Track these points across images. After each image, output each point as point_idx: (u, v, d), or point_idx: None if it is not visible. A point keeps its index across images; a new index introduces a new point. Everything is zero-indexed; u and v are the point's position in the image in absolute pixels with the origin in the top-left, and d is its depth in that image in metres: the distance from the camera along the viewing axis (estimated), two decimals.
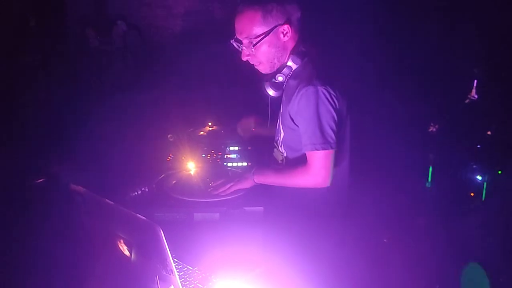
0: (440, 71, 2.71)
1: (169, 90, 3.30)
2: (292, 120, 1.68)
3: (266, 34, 1.61)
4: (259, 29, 1.62)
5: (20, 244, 1.78)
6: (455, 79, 2.57)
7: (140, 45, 3.29)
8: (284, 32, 1.63)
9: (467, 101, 2.37)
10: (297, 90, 1.62)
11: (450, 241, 2.46)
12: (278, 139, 1.82)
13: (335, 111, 1.61)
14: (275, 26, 1.61)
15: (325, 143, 1.61)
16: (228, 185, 1.80)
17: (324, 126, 1.60)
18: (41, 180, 2.45)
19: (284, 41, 1.65)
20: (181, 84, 3.29)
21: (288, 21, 1.62)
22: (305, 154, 1.66)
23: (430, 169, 2.61)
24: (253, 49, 1.64)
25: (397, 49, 2.68)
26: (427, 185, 2.62)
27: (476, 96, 2.31)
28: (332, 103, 1.60)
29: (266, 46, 1.64)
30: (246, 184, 1.80)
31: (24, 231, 1.89)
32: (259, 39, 1.62)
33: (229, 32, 3.00)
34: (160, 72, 3.29)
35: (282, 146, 1.79)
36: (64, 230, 1.59)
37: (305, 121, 1.63)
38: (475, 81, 2.29)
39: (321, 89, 1.58)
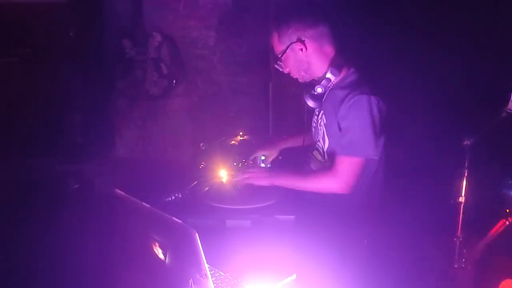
0: (476, 83, 2.67)
1: (201, 100, 3.36)
2: (339, 126, 1.74)
3: (284, 51, 1.78)
4: (279, 48, 1.81)
5: (57, 245, 1.84)
6: (490, 91, 2.52)
7: (174, 55, 3.36)
8: (301, 48, 1.77)
9: (503, 114, 2.32)
10: (347, 98, 1.70)
11: (485, 257, 2.40)
12: (321, 149, 1.85)
13: (380, 122, 1.69)
14: (290, 44, 1.77)
15: (365, 151, 1.67)
16: (243, 175, 1.84)
17: (369, 135, 1.67)
18: (77, 185, 2.54)
19: (306, 56, 1.78)
20: (214, 94, 3.34)
21: (299, 39, 1.76)
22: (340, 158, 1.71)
23: (464, 183, 2.55)
24: (280, 64, 1.84)
25: (432, 62, 2.66)
26: (461, 199, 2.56)
27: None
28: (381, 113, 1.69)
29: (289, 61, 1.81)
30: (261, 181, 1.82)
31: (61, 233, 1.96)
32: (280, 55, 1.81)
33: (261, 42, 3.05)
34: (193, 82, 3.36)
35: (326, 155, 1.82)
36: (100, 232, 1.64)
37: (351, 126, 1.69)
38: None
39: (373, 98, 1.67)
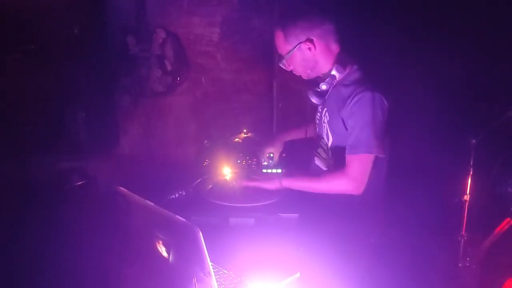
0: (482, 81, 2.65)
1: (205, 97, 3.35)
2: (344, 123, 1.73)
3: (291, 51, 1.77)
4: (285, 47, 1.79)
5: (61, 243, 1.84)
6: (497, 90, 2.50)
7: (178, 52, 3.35)
8: (309, 47, 1.76)
9: (509, 112, 2.30)
10: (351, 96, 1.70)
11: (491, 257, 2.39)
12: (325, 146, 1.84)
13: (384, 119, 1.69)
14: (298, 44, 1.75)
15: (371, 148, 1.67)
16: (254, 182, 1.85)
17: (376, 131, 1.67)
18: (81, 182, 2.55)
19: (313, 54, 1.78)
20: (218, 91, 3.33)
21: (308, 38, 1.75)
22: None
23: (469, 182, 2.54)
24: (285, 63, 1.82)
25: (438, 60, 2.64)
26: (466, 198, 2.55)
27: None
28: (385, 110, 1.69)
29: (296, 60, 1.80)
30: (271, 185, 1.82)
31: (65, 231, 1.96)
32: (287, 55, 1.79)
33: (265, 40, 3.05)
34: (197, 79, 3.35)
35: (330, 152, 1.82)
36: (104, 230, 1.64)
37: (357, 124, 1.69)
38: None
39: (377, 95, 1.67)
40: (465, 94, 2.69)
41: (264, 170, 2.13)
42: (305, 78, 1.87)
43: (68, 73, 3.16)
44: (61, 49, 3.16)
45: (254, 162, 2.20)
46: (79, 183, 2.71)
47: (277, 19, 1.88)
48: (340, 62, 1.78)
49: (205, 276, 1.17)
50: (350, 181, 1.68)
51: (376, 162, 1.72)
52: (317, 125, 1.94)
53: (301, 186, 1.80)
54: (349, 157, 1.70)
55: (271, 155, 2.15)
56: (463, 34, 2.67)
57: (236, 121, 2.75)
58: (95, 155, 2.98)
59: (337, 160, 1.80)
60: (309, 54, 1.78)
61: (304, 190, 1.79)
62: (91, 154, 3.00)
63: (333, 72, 1.78)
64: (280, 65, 1.85)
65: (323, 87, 1.80)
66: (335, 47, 1.80)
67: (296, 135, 2.17)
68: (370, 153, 1.67)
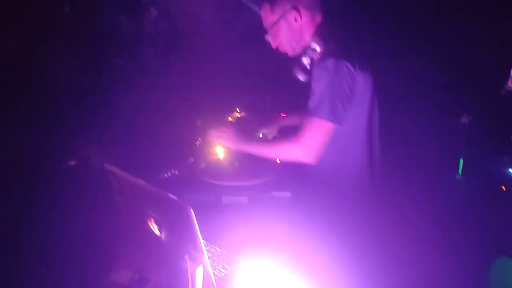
0: (476, 60, 2.64)
1: (198, 76, 3.33)
2: None
3: (277, 21, 1.74)
4: (271, 18, 1.76)
5: (54, 223, 1.84)
6: (491, 69, 2.50)
7: (171, 31, 3.32)
8: (295, 17, 1.73)
9: (502, 92, 2.30)
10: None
11: (480, 235, 2.42)
12: None
13: (349, 88, 1.60)
14: (283, 14, 1.72)
15: (326, 113, 1.58)
16: (217, 133, 1.88)
17: (333, 98, 1.59)
18: (74, 162, 2.54)
19: (299, 25, 1.74)
20: (211, 70, 3.31)
21: (295, 7, 1.72)
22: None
23: (461, 161, 2.56)
24: (270, 37, 1.79)
25: (431, 38, 2.62)
26: (458, 177, 2.57)
27: None
28: (348, 79, 1.60)
29: (282, 33, 1.76)
30: (228, 143, 1.84)
31: (57, 211, 1.96)
32: (273, 27, 1.76)
33: (259, 18, 3.00)
34: (190, 58, 3.32)
35: None
36: (97, 209, 1.65)
37: (314, 89, 1.62)
38: None
39: (339, 61, 1.59)
40: (457, 74, 2.68)
41: None
42: (291, 54, 1.82)
43: (59, 52, 3.12)
44: (52, 28, 3.11)
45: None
46: (71, 163, 2.70)
47: None
48: (321, 35, 1.73)
49: (197, 254, 1.18)
50: (301, 145, 1.60)
51: (339, 134, 1.66)
52: None
53: (255, 150, 1.75)
54: (304, 122, 1.63)
55: (261, 135, 2.15)
56: (456, 12, 2.66)
57: (229, 100, 2.74)
58: (88, 135, 2.96)
59: None
60: (295, 25, 1.73)
61: (259, 154, 1.74)
62: (84, 134, 2.98)
63: (312, 45, 1.73)
64: (266, 38, 1.80)
65: (304, 60, 1.76)
66: (318, 20, 1.76)
67: (292, 120, 2.15)
68: (320, 118, 1.59)
